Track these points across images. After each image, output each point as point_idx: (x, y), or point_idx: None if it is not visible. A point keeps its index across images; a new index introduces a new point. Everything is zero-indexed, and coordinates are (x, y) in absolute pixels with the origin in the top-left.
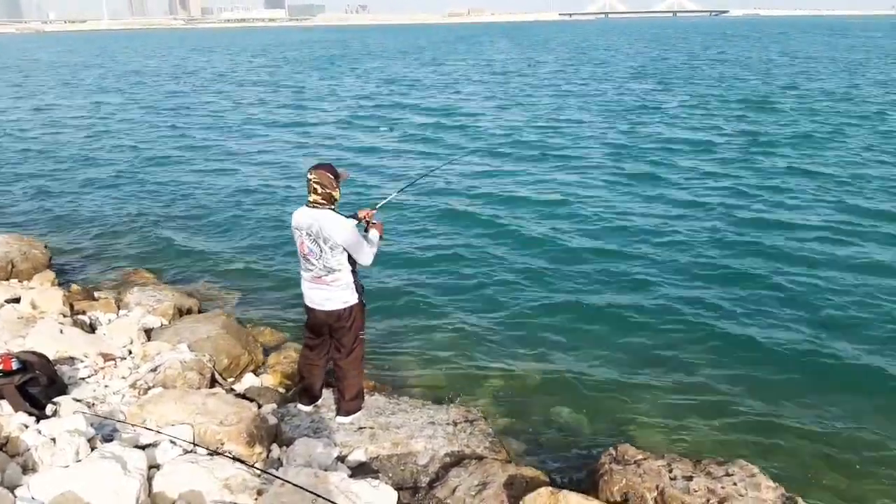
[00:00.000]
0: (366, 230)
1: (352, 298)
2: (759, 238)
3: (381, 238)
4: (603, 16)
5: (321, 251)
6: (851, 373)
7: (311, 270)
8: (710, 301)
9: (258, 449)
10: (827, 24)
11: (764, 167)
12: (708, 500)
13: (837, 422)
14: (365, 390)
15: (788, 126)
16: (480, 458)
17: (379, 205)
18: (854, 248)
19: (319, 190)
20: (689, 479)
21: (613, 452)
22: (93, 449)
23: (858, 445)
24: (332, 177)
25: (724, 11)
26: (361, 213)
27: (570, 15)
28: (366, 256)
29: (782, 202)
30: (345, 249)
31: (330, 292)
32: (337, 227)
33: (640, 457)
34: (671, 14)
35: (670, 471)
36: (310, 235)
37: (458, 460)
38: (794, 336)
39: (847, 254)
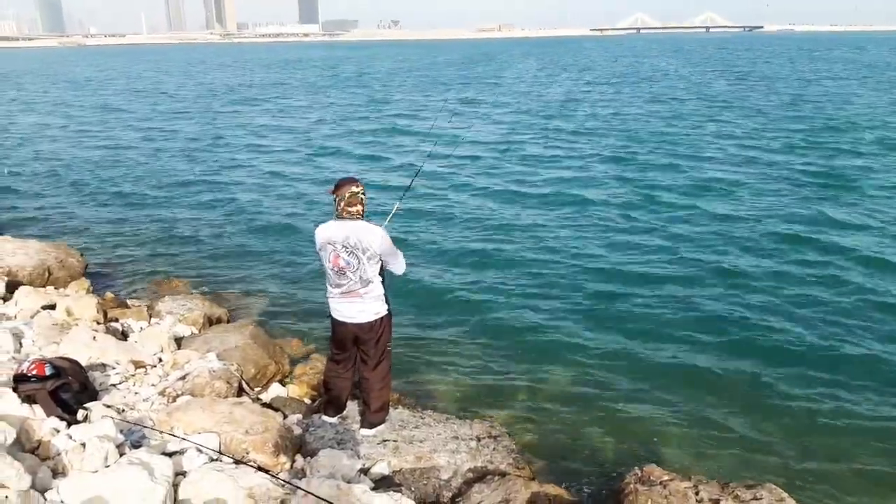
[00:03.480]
0: None
1: (382, 309)
2: (797, 268)
3: None
4: (635, 31)
5: (359, 262)
6: (888, 400)
7: (345, 284)
8: (745, 322)
9: (282, 459)
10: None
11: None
12: None
13: (871, 448)
14: (389, 403)
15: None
16: (503, 474)
17: (388, 219)
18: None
19: (365, 201)
20: (716, 502)
21: (639, 472)
22: (121, 455)
23: (893, 472)
24: (364, 189)
25: (759, 27)
26: None
27: (602, 30)
28: (401, 265)
29: (831, 220)
30: (380, 259)
31: (364, 304)
32: (375, 237)
33: (666, 478)
34: (704, 29)
35: (697, 493)
36: (346, 248)
37: (480, 476)
38: (829, 361)
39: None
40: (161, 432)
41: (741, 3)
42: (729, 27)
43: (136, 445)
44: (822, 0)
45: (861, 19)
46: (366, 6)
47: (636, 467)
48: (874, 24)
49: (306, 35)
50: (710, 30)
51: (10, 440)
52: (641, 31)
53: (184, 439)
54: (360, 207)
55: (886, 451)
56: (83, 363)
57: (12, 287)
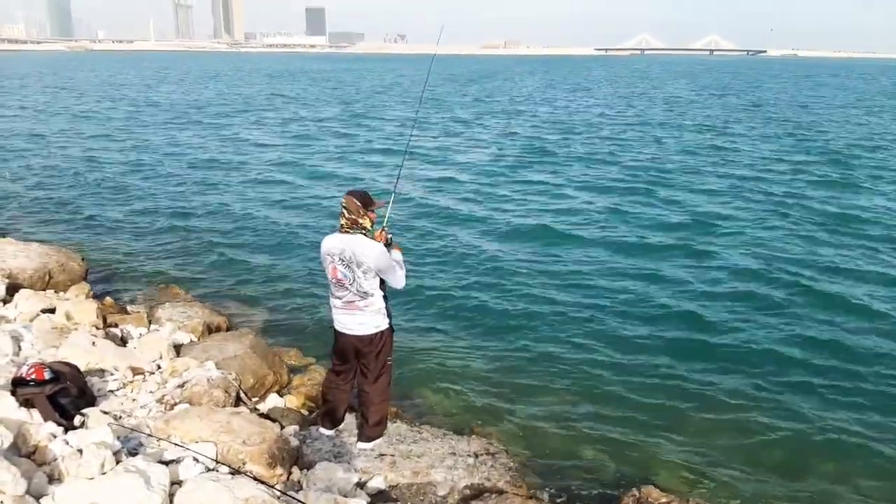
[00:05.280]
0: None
1: (383, 323)
2: (802, 296)
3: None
4: (639, 52)
5: (355, 276)
6: (888, 427)
7: (344, 296)
8: (747, 347)
9: (279, 470)
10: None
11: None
12: None
13: (868, 474)
14: (388, 417)
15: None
16: (501, 492)
17: (385, 223)
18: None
19: (347, 215)
20: None
21: (636, 493)
22: (118, 462)
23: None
24: (359, 204)
25: (762, 51)
26: (377, 239)
27: (607, 50)
28: (399, 280)
29: (828, 244)
30: (377, 273)
31: (363, 317)
32: (370, 251)
33: (663, 499)
34: (708, 52)
35: None
36: (342, 261)
37: (477, 493)
38: (830, 388)
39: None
40: (158, 440)
41: (745, 26)
42: (732, 50)
43: (132, 453)
44: (826, 25)
45: (864, 45)
46: (373, 20)
47: (634, 488)
48: (878, 52)
49: (313, 46)
50: (714, 53)
51: (6, 444)
52: (645, 51)
53: (183, 448)
54: (344, 220)
55: (884, 476)
56: (82, 368)
57: (12, 290)
